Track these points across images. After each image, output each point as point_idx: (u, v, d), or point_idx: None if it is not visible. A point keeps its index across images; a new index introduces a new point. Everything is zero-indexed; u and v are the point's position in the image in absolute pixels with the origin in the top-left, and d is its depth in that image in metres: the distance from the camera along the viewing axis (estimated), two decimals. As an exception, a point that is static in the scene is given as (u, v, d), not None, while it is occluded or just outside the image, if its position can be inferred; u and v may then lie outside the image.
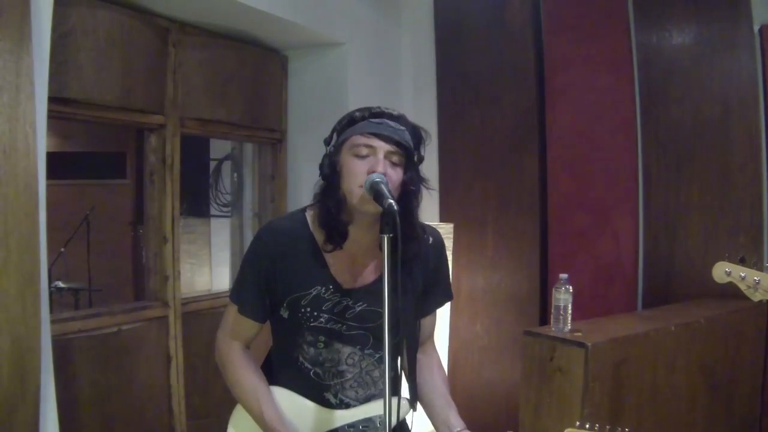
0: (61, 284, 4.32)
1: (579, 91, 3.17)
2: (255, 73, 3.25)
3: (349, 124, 1.42)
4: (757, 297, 1.86)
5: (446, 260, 1.62)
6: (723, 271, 1.88)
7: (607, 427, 1.41)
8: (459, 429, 1.47)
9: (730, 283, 1.89)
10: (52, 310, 2.28)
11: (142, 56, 2.63)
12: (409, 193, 1.40)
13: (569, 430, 1.43)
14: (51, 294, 3.19)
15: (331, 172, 1.40)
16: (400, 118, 1.42)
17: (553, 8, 3.24)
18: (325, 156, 1.43)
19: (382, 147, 1.36)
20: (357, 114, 1.42)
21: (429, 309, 1.59)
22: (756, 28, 2.79)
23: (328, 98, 3.39)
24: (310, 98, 3.46)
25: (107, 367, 2.51)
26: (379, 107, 1.43)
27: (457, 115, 3.56)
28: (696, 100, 2.91)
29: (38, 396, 1.91)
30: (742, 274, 1.86)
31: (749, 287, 1.85)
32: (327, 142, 1.46)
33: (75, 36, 2.33)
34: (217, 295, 3.22)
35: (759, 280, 1.83)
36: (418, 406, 1.54)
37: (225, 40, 3.09)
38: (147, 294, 2.87)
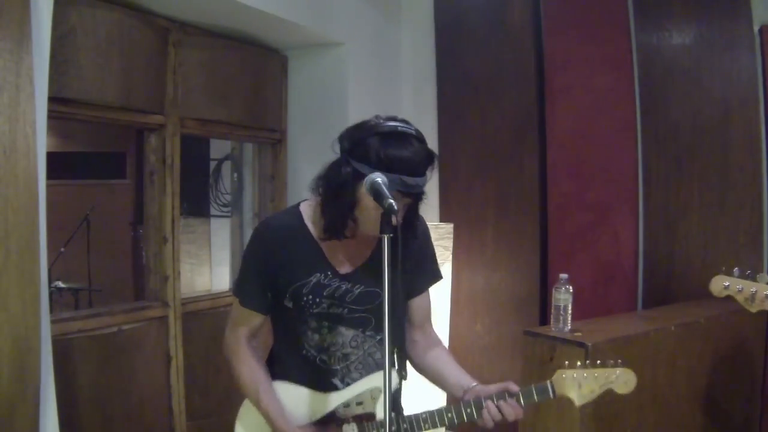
0: (61, 284, 4.30)
1: (579, 91, 3.17)
2: (255, 73, 3.25)
3: (378, 150, 1.32)
4: (754, 309, 1.88)
5: (431, 242, 1.64)
6: (722, 285, 1.91)
7: (597, 361, 1.44)
8: (474, 384, 1.48)
9: (729, 296, 1.90)
10: (52, 310, 2.28)
11: (142, 56, 2.63)
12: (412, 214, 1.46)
13: (560, 371, 1.43)
14: (51, 294, 3.19)
15: (343, 195, 1.37)
16: (423, 141, 1.38)
17: (553, 8, 3.24)
18: (339, 168, 1.37)
19: (407, 201, 1.40)
20: (389, 151, 1.31)
21: (419, 287, 1.61)
22: (756, 28, 2.78)
23: (328, 98, 3.39)
24: (310, 98, 3.46)
25: (107, 367, 2.51)
26: (404, 126, 1.36)
27: (457, 115, 3.56)
28: (696, 100, 2.91)
29: (38, 396, 1.92)
30: (739, 287, 1.88)
31: (746, 299, 1.88)
32: (345, 149, 1.37)
33: (75, 36, 2.33)
34: (217, 295, 3.21)
35: (755, 290, 1.85)
36: (429, 382, 1.60)
37: (225, 40, 3.09)
38: (147, 294, 2.86)
